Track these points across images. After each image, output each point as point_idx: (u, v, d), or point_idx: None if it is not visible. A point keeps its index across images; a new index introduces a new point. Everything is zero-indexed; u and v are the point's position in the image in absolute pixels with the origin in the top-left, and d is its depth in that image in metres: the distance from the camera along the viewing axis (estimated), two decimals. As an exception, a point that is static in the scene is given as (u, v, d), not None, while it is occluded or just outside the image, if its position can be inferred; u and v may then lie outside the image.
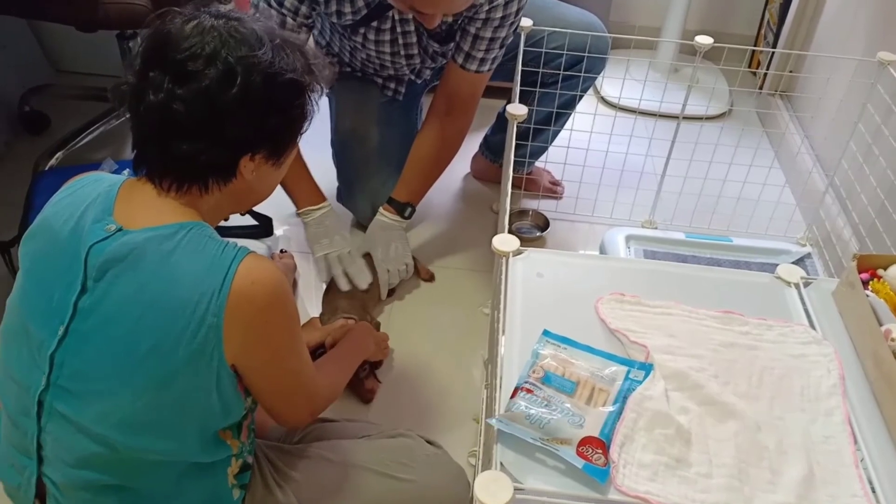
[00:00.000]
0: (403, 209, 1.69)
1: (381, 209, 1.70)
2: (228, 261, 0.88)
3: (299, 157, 1.60)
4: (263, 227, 1.83)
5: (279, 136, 0.96)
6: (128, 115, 0.93)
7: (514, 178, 1.92)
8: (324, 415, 1.33)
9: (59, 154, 1.87)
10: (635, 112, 1.88)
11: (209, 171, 0.92)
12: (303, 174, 1.64)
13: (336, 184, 1.87)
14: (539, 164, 2.03)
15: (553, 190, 2.05)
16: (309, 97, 0.98)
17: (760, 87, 2.46)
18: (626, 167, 1.91)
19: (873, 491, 0.82)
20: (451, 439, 1.37)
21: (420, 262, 1.80)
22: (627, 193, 1.93)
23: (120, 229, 0.89)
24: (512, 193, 1.90)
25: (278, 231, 1.88)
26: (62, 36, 2.24)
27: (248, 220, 1.82)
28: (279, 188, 1.59)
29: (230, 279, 0.86)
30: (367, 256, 1.69)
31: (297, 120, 0.98)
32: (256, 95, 0.89)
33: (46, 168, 1.83)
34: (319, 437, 1.27)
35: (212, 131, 0.89)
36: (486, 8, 1.50)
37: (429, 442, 1.28)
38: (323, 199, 1.66)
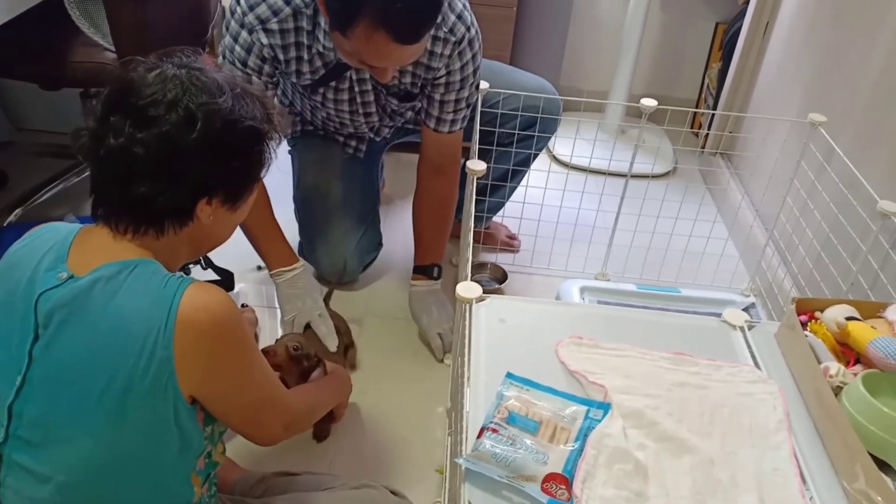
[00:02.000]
0: (430, 271, 1.75)
1: (412, 281, 1.76)
2: (172, 292, 0.88)
3: (272, 217, 1.63)
4: (225, 282, 1.84)
5: (236, 181, 0.99)
6: (86, 164, 0.95)
7: (472, 232, 1.99)
8: (287, 468, 1.34)
9: (18, 210, 1.87)
10: (586, 170, 1.97)
11: (166, 214, 0.94)
12: (276, 235, 1.66)
13: (298, 238, 1.90)
14: (496, 219, 2.10)
15: (510, 244, 2.11)
16: (267, 144, 1.01)
17: (702, 147, 2.59)
18: (578, 221, 1.99)
19: (819, 519, 0.87)
20: (414, 490, 1.38)
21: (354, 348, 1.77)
22: (581, 247, 2.00)
23: (71, 276, 0.89)
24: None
25: (239, 285, 1.89)
26: (23, 94, 2.26)
27: (210, 276, 1.83)
28: (251, 248, 1.63)
29: (175, 310, 0.87)
30: (337, 318, 1.70)
31: (254, 166, 1.00)
32: (216, 141, 0.92)
33: (5, 224, 1.82)
34: (283, 490, 1.27)
35: (170, 174, 0.91)
36: (443, 73, 1.58)
37: (393, 493, 1.29)
38: (296, 259, 1.67)
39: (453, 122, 1.66)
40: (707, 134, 2.56)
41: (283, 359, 1.38)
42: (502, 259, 2.05)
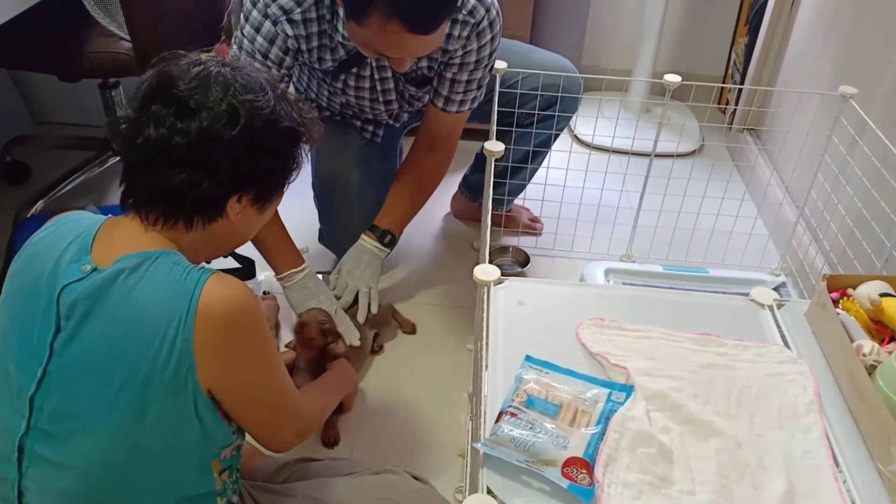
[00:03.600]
0: (384, 236, 1.69)
1: (362, 235, 1.69)
2: (193, 283, 0.88)
3: (277, 219, 1.60)
4: (246, 270, 1.83)
5: (269, 181, 1.00)
6: (116, 157, 0.95)
7: (493, 215, 1.96)
8: (309, 454, 1.34)
9: (40, 202, 1.88)
10: (609, 151, 1.93)
11: (197, 207, 0.94)
12: (282, 237, 1.62)
13: (318, 226, 1.89)
14: (517, 201, 2.07)
15: (532, 227, 2.08)
16: (301, 148, 1.02)
17: (730, 124, 2.53)
18: (602, 202, 1.95)
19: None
20: (437, 475, 1.37)
21: (400, 314, 1.80)
22: (605, 228, 1.97)
23: (95, 269, 0.89)
24: (492, 231, 1.93)
25: (263, 273, 1.88)
26: (44, 87, 2.28)
27: (231, 263, 1.83)
28: (256, 252, 1.61)
29: (196, 300, 0.87)
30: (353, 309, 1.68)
31: (288, 167, 1.01)
32: (256, 138, 0.93)
33: (28, 216, 1.84)
34: (305, 476, 1.26)
35: (207, 166, 0.92)
36: (459, 53, 1.55)
37: (415, 478, 1.27)
38: (302, 260, 1.63)
39: (462, 102, 1.63)
40: (735, 110, 2.50)
41: (316, 333, 1.40)
42: (524, 242, 2.02)
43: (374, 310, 1.68)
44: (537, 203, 1.98)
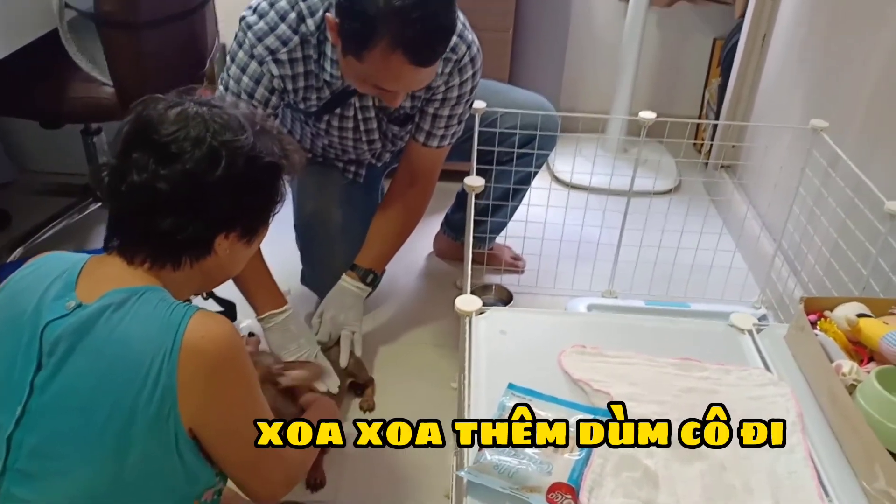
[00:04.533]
0: (366, 275, 1.68)
1: (343, 276, 1.68)
2: (178, 319, 0.88)
3: (260, 259, 1.58)
4: (228, 313, 1.82)
5: (255, 216, 1.01)
6: (98, 203, 0.95)
7: (476, 254, 1.97)
8: (292, 498, 1.31)
9: (19, 249, 1.87)
10: (587, 189, 1.96)
11: (185, 248, 0.95)
12: (264, 276, 1.60)
13: (300, 267, 1.88)
14: (499, 240, 2.08)
15: (514, 265, 2.09)
16: (283, 180, 1.03)
17: (706, 161, 2.57)
18: (583, 239, 1.97)
19: (839, 522, 0.83)
20: (423, 516, 1.35)
21: (373, 387, 1.73)
22: (586, 265, 1.98)
23: (79, 305, 0.89)
24: (475, 269, 1.93)
25: (245, 321, 1.86)
26: (25, 135, 2.28)
27: (213, 306, 1.82)
28: (237, 291, 1.60)
29: (181, 336, 0.86)
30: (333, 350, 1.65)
31: (272, 200, 1.02)
32: (239, 177, 0.93)
33: (7, 262, 1.82)
34: (289, 521, 1.24)
35: (193, 209, 0.92)
36: (442, 89, 1.58)
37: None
38: (284, 302, 1.61)
39: (443, 137, 1.65)
40: (710, 148, 2.55)
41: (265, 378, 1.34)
42: (507, 280, 2.03)
43: (358, 352, 1.67)
44: (519, 240, 2.00)
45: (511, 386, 0.98)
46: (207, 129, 0.92)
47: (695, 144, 2.78)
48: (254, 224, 1.01)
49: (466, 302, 1.08)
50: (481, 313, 1.10)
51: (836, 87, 1.83)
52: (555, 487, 0.82)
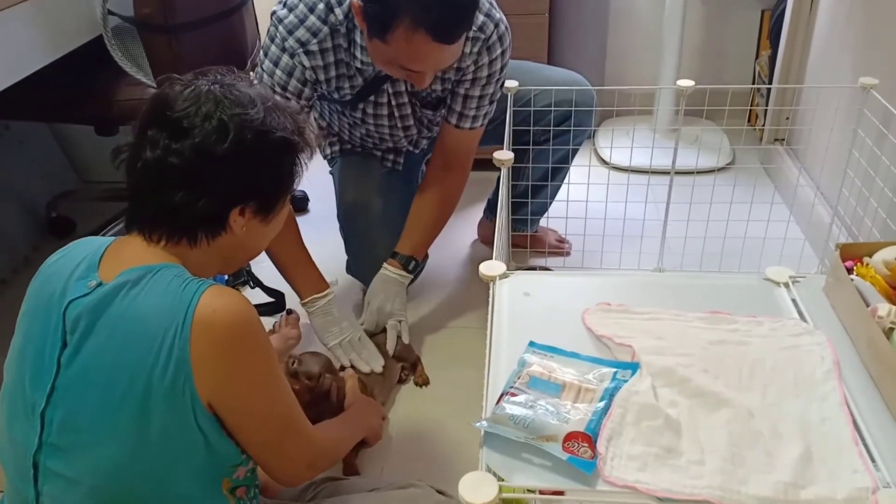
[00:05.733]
0: (408, 262, 1.69)
1: (385, 264, 1.70)
2: (191, 293, 0.89)
3: (300, 243, 1.61)
4: (276, 303, 1.86)
5: (269, 191, 1.01)
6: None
7: (520, 237, 1.95)
8: (337, 473, 1.33)
9: (81, 251, 1.95)
10: (627, 171, 1.91)
11: (199, 223, 0.96)
12: (305, 261, 1.64)
13: (346, 257, 1.91)
14: (542, 222, 2.06)
15: (559, 247, 2.07)
16: (298, 157, 1.03)
17: (760, 131, 2.49)
18: (628, 216, 1.93)
19: (875, 466, 0.79)
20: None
21: (422, 364, 1.74)
22: (633, 243, 1.93)
23: (100, 284, 0.91)
24: (519, 252, 1.91)
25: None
26: (85, 147, 2.39)
27: (263, 298, 1.86)
28: (281, 277, 1.63)
29: (192, 309, 0.87)
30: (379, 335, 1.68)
31: (286, 176, 1.02)
32: (248, 150, 0.94)
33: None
34: (331, 494, 1.25)
35: (204, 183, 0.94)
36: (471, 69, 1.58)
37: (439, 492, 1.25)
38: (327, 286, 1.65)
39: (475, 118, 1.65)
40: (763, 125, 2.46)
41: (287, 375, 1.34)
42: (552, 263, 2.00)
43: (406, 339, 1.68)
44: (561, 222, 1.97)
45: (532, 343, 0.97)
46: (217, 105, 0.93)
47: (748, 123, 2.70)
48: (268, 200, 1.01)
49: (490, 267, 1.07)
50: (505, 277, 1.09)
51: (886, 44, 1.74)
52: (571, 436, 0.81)
